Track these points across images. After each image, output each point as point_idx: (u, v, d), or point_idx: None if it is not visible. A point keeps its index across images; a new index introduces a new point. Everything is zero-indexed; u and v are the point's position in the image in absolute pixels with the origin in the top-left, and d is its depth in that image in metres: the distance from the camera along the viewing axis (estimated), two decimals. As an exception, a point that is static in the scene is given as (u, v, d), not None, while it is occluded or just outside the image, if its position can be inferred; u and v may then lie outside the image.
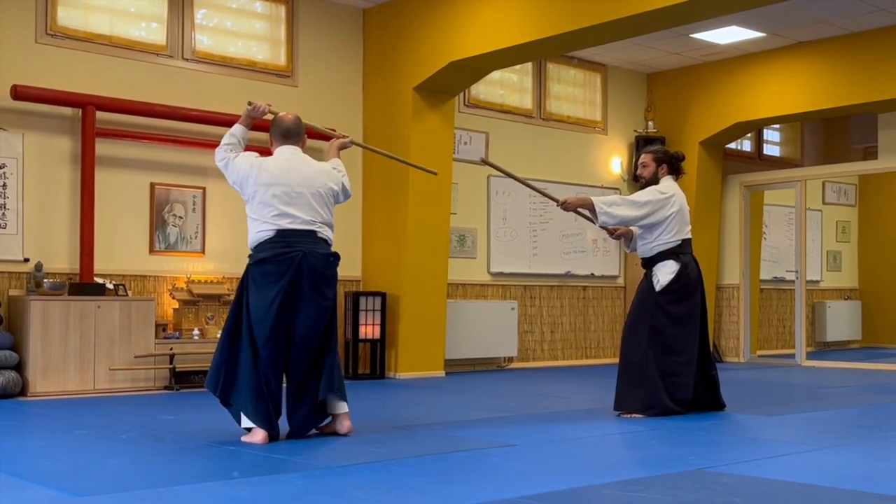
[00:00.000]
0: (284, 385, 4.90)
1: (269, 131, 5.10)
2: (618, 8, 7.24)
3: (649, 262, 6.07)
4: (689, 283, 5.98)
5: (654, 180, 6.10)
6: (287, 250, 4.82)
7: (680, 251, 6.01)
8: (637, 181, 6.22)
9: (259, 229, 4.91)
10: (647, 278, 6.06)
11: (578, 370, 10.04)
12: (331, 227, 5.02)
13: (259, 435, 4.74)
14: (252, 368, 4.77)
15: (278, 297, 4.77)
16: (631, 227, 6.19)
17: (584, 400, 7.02)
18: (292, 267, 4.79)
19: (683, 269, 5.97)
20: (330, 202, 5.02)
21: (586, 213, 6.06)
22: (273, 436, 4.78)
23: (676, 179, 6.16)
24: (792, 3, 8.30)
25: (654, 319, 5.93)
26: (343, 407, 4.98)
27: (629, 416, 5.91)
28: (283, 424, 4.88)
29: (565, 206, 6.03)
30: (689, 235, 6.08)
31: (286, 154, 5.02)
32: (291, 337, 4.83)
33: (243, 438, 4.80)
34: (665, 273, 5.96)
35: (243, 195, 4.98)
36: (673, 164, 6.13)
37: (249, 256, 4.97)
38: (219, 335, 7.74)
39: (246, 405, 4.77)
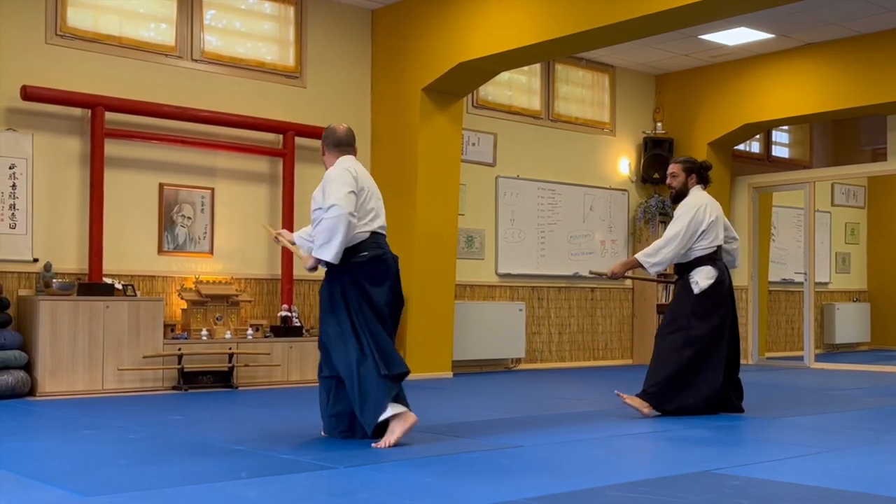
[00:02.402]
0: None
1: (324, 142, 5.12)
2: (626, 9, 7.24)
3: (686, 267, 6.14)
4: (724, 289, 6.10)
5: (684, 190, 6.23)
6: (382, 251, 4.97)
7: (716, 257, 6.14)
8: (669, 189, 6.37)
9: (370, 227, 4.97)
10: (684, 281, 6.13)
11: (586, 371, 10.03)
12: None
13: (411, 417, 4.76)
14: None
15: (390, 294, 4.94)
16: None
17: (592, 401, 7.01)
18: (392, 268, 4.98)
19: (721, 274, 6.10)
20: None
21: (638, 270, 6.22)
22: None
23: (705, 188, 6.27)
24: (801, 4, 8.29)
25: (690, 322, 6.02)
26: None
27: (637, 406, 5.99)
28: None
29: (614, 275, 6.26)
30: (722, 241, 6.19)
31: (353, 162, 5.03)
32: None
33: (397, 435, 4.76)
34: (704, 277, 6.05)
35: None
36: (701, 174, 6.25)
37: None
38: (228, 336, 7.79)
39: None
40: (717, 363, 6.03)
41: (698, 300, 6.03)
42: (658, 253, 6.05)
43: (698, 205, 6.10)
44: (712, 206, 6.14)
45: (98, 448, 4.69)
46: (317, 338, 8.21)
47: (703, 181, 6.25)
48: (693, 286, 6.05)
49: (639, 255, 6.13)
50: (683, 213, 6.09)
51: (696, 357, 5.99)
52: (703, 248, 6.08)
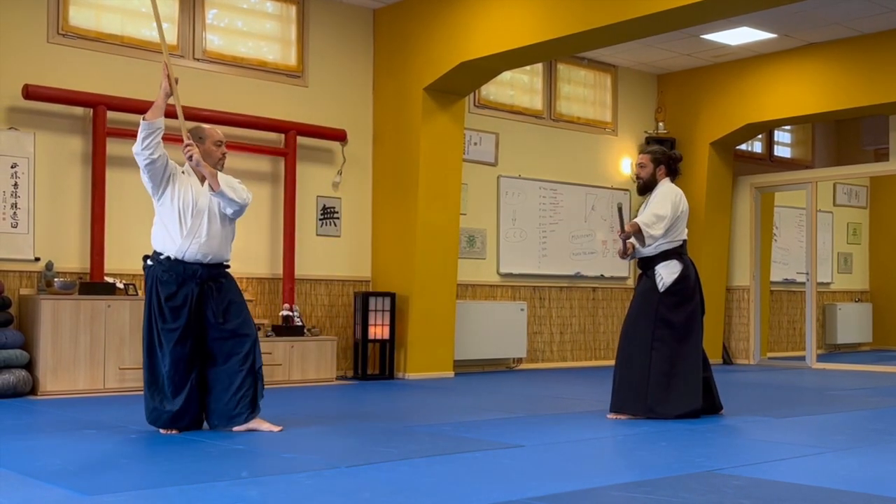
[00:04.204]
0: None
1: None
2: (628, 9, 7.23)
3: (651, 262, 5.97)
4: (690, 285, 5.92)
5: (651, 182, 6.04)
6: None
7: (682, 251, 5.96)
8: (637, 180, 6.20)
9: None
10: (649, 278, 5.97)
11: (587, 371, 10.02)
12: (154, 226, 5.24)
13: None
14: None
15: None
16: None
17: (593, 401, 7.01)
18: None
19: (686, 269, 5.91)
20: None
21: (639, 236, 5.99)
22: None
23: (673, 181, 6.09)
24: (803, 4, 8.28)
25: (657, 319, 5.86)
26: None
27: (622, 417, 5.88)
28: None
29: (626, 235, 5.95)
30: (686, 236, 6.04)
31: None
32: None
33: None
34: (669, 272, 5.88)
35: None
36: (671, 165, 6.06)
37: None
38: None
39: None
40: (694, 360, 5.83)
41: (663, 296, 5.86)
42: (653, 226, 5.82)
43: (677, 192, 5.93)
44: (684, 199, 5.97)
45: (99, 447, 4.69)
46: (317, 338, 8.27)
47: (673, 173, 6.06)
48: (658, 282, 5.89)
49: (642, 226, 5.81)
50: (664, 200, 5.87)
51: (667, 358, 5.79)
52: (669, 240, 5.90)
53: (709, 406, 6.01)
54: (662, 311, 5.86)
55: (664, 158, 6.05)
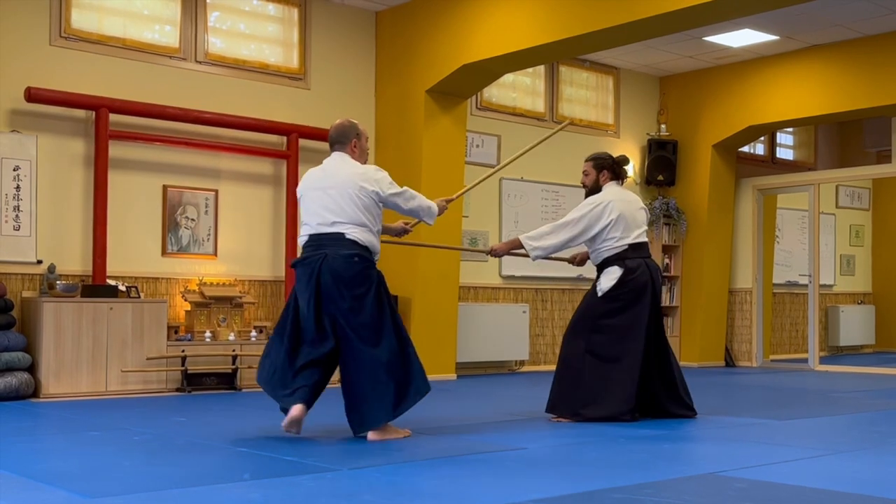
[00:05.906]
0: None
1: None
2: (630, 11, 7.23)
3: (598, 269, 6.01)
4: (634, 289, 5.83)
5: (596, 188, 6.03)
6: (313, 254, 5.01)
7: (626, 256, 5.87)
8: (583, 187, 6.18)
9: (300, 234, 5.19)
10: (593, 284, 6.01)
11: (590, 374, 10.00)
12: (365, 227, 5.02)
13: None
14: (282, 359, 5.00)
15: (312, 299, 4.97)
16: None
17: (596, 403, 7.00)
18: (316, 270, 4.94)
19: (627, 274, 5.82)
20: (362, 202, 5.01)
21: (521, 252, 5.99)
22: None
23: (621, 184, 6.06)
24: (805, 6, 8.27)
25: (595, 325, 5.84)
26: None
27: (559, 420, 5.84)
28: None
29: (494, 253, 6.10)
30: (639, 240, 5.92)
31: (327, 160, 5.22)
32: (338, 336, 5.01)
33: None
34: (608, 279, 5.85)
35: None
36: (615, 170, 6.04)
37: None
38: (231, 338, 7.81)
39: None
40: (626, 368, 5.75)
41: (602, 302, 5.85)
42: (542, 238, 5.86)
43: (600, 202, 5.87)
44: (618, 204, 5.87)
45: (102, 449, 4.69)
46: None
47: (617, 177, 6.02)
48: (597, 289, 5.89)
49: (522, 237, 5.92)
50: (582, 207, 5.91)
51: (600, 363, 5.76)
52: (609, 248, 5.87)
53: (679, 409, 5.95)
54: (600, 317, 5.85)
55: (606, 163, 6.05)
